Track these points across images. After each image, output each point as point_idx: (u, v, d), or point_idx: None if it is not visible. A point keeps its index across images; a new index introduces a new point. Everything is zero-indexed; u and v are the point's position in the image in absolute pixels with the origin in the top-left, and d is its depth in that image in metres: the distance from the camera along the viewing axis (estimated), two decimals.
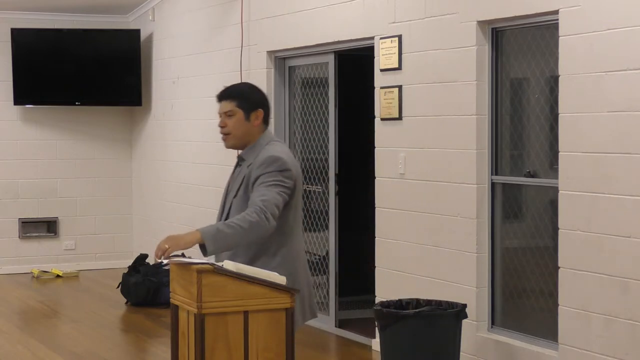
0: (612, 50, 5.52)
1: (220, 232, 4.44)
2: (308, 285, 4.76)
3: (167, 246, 4.40)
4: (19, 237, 11.76)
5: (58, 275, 11.45)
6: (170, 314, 4.73)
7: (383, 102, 7.38)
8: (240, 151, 4.80)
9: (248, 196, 4.55)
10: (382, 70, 7.40)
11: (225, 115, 4.67)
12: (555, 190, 6.02)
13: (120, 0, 11.40)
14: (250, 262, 4.55)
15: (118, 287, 9.84)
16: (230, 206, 4.69)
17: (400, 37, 7.20)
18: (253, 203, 4.46)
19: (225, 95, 4.70)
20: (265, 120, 4.71)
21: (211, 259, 4.58)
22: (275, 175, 4.52)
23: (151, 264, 9.72)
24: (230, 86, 4.80)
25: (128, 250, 11.99)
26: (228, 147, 4.75)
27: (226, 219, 4.61)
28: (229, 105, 4.66)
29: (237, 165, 4.77)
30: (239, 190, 4.64)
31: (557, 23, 5.91)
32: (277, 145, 4.68)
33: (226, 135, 4.69)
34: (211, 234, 4.47)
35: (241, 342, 4.38)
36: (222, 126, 4.68)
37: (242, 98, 4.67)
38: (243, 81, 4.95)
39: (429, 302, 6.37)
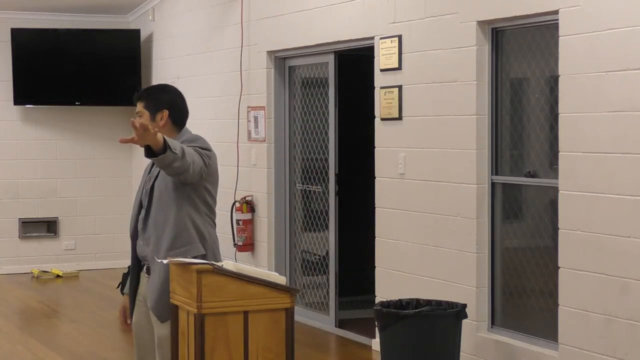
0: (612, 50, 5.52)
1: (176, 143, 4.46)
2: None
3: (138, 127, 4.25)
4: (19, 237, 11.76)
5: (58, 275, 11.45)
6: (170, 314, 4.74)
7: (383, 102, 7.38)
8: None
9: (166, 178, 4.64)
10: (382, 70, 7.40)
11: (137, 115, 4.74)
12: (555, 190, 6.02)
13: (120, 0, 11.40)
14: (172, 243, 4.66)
15: (118, 287, 9.81)
16: (152, 192, 4.71)
17: (400, 37, 7.20)
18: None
19: (137, 96, 4.79)
20: (176, 121, 4.78)
21: (210, 259, 4.57)
22: (196, 148, 4.63)
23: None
24: (145, 87, 4.95)
25: (128, 250, 11.90)
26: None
27: (148, 208, 4.69)
28: (139, 106, 4.76)
29: (152, 164, 4.79)
30: (158, 175, 4.70)
31: (557, 23, 5.91)
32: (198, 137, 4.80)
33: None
34: (171, 141, 4.44)
35: (241, 342, 4.38)
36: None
37: (149, 99, 4.75)
38: (163, 83, 5.02)
39: (429, 302, 6.37)
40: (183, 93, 10.16)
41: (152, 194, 4.72)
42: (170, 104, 4.79)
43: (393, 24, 7.29)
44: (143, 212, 4.77)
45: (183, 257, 4.54)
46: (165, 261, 4.59)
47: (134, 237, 4.85)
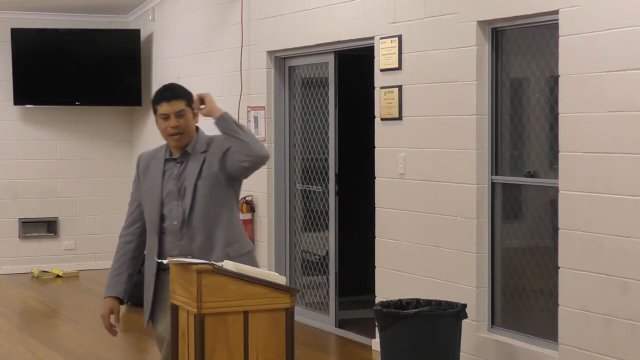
0: (612, 50, 5.52)
1: (237, 122, 4.58)
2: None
3: (202, 98, 4.58)
4: (19, 237, 11.76)
5: (58, 275, 11.46)
6: (170, 314, 4.74)
7: (383, 102, 7.38)
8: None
9: (219, 175, 4.65)
10: (382, 70, 7.40)
11: (175, 114, 4.66)
12: (555, 190, 6.02)
13: (120, 0, 11.40)
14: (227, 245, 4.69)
15: None
16: (195, 189, 4.68)
17: (400, 37, 7.20)
18: None
19: (175, 95, 4.71)
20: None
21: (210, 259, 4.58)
22: None
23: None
24: (171, 86, 4.82)
25: None
26: (181, 146, 4.72)
27: (192, 204, 4.66)
28: (181, 104, 4.68)
29: (179, 163, 4.74)
30: (201, 172, 4.67)
31: (557, 23, 5.91)
32: None
33: (181, 135, 4.69)
34: (232, 117, 4.60)
35: (241, 342, 4.38)
36: (178, 125, 4.68)
37: (188, 96, 4.72)
38: (172, 83, 5.01)
39: (429, 302, 6.37)
40: None
41: (196, 192, 4.66)
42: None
43: (393, 24, 7.28)
44: (175, 209, 4.70)
45: (239, 252, 4.65)
46: (165, 261, 4.59)
47: (158, 233, 4.76)
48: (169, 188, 4.73)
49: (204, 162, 4.68)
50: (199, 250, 4.65)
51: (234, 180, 4.72)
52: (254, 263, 4.76)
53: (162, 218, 4.75)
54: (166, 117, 4.68)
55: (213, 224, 4.67)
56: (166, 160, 4.79)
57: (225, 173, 4.66)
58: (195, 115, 4.72)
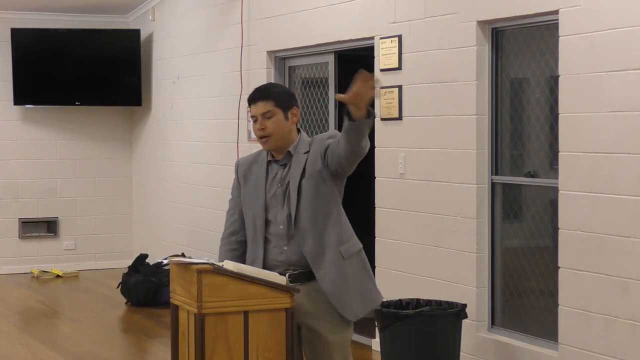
0: (612, 50, 5.52)
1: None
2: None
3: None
4: (19, 237, 11.76)
5: (58, 275, 11.45)
6: (170, 314, 4.74)
7: (383, 102, 7.38)
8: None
9: (323, 172, 4.45)
10: (382, 70, 7.40)
11: (261, 116, 4.49)
12: (555, 190, 6.02)
13: (120, 0, 11.40)
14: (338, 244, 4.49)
15: (118, 287, 9.85)
16: (300, 190, 4.48)
17: (400, 37, 7.20)
18: None
19: (262, 95, 4.51)
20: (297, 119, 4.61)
21: (211, 259, 4.57)
22: None
23: (151, 263, 9.72)
24: (263, 87, 4.64)
25: (128, 250, 11.99)
26: (269, 148, 4.56)
27: (297, 205, 4.46)
28: (267, 106, 4.48)
29: (282, 166, 4.56)
30: (304, 171, 4.47)
31: (557, 23, 5.91)
32: None
33: (267, 137, 4.49)
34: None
35: (241, 342, 4.38)
36: (263, 128, 4.48)
37: (279, 97, 4.52)
38: (271, 82, 4.75)
39: (429, 302, 6.37)
40: (183, 93, 10.14)
41: (301, 192, 4.47)
42: (297, 101, 4.64)
43: (393, 24, 7.29)
44: (280, 213, 4.51)
45: (351, 251, 4.50)
46: (165, 261, 4.58)
47: (261, 241, 4.56)
48: (273, 191, 4.55)
49: (306, 161, 4.48)
50: (311, 254, 4.46)
51: (337, 177, 4.50)
52: (365, 262, 4.60)
53: (266, 223, 4.56)
54: (255, 119, 4.51)
55: (322, 223, 4.47)
56: (269, 162, 4.59)
57: (328, 170, 4.46)
58: (293, 116, 4.52)
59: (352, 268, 4.53)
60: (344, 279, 4.48)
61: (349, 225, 4.59)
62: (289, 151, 4.54)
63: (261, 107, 4.49)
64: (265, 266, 4.52)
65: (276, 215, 4.53)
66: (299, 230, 4.47)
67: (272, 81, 8.98)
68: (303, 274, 4.50)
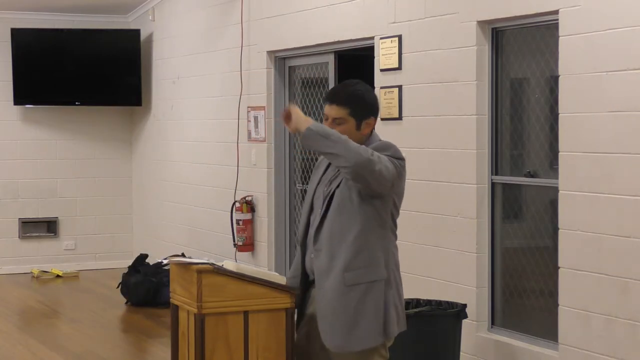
0: (612, 50, 5.52)
1: (329, 129, 4.02)
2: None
3: (288, 114, 4.04)
4: (19, 237, 11.76)
5: (58, 275, 11.45)
6: (170, 314, 4.74)
7: (383, 102, 7.38)
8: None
9: (352, 188, 4.14)
10: (382, 70, 7.40)
11: (333, 121, 4.21)
12: (555, 190, 6.02)
13: (120, 0, 11.40)
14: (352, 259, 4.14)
15: (118, 287, 9.85)
16: (331, 199, 4.20)
17: (400, 37, 7.20)
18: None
19: (339, 99, 4.24)
20: (374, 127, 4.33)
21: (210, 259, 4.57)
22: (390, 158, 4.15)
23: (151, 263, 9.72)
24: (345, 88, 4.34)
25: (128, 250, 11.99)
26: None
27: (327, 208, 4.18)
28: (340, 112, 4.20)
29: (335, 167, 4.25)
30: (341, 182, 4.18)
31: (557, 23, 5.91)
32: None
33: None
34: (319, 125, 4.03)
35: (241, 342, 4.38)
36: None
37: (357, 105, 4.22)
38: (357, 81, 4.36)
39: (429, 302, 6.37)
40: (183, 93, 10.13)
41: (331, 201, 4.19)
42: (376, 110, 4.31)
43: (393, 24, 7.29)
44: (315, 218, 4.26)
45: (358, 280, 4.11)
46: (165, 261, 4.58)
47: (303, 245, 4.34)
48: (320, 191, 4.29)
49: None
50: (318, 269, 4.20)
51: (371, 196, 4.12)
52: (375, 296, 4.16)
53: (307, 224, 4.31)
54: (326, 118, 4.24)
55: (337, 241, 4.14)
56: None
57: (356, 187, 4.11)
58: (367, 127, 4.25)
59: (351, 298, 4.14)
60: (337, 305, 4.14)
61: (376, 252, 4.19)
62: None
63: (335, 111, 4.22)
64: (303, 272, 4.33)
65: (315, 219, 4.29)
66: (318, 241, 4.22)
67: (272, 81, 8.99)
68: None
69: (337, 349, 4.20)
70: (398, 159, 4.20)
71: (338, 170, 4.21)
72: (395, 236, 4.35)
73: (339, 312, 4.16)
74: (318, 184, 4.34)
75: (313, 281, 4.31)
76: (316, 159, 8.69)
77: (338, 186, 4.21)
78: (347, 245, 4.14)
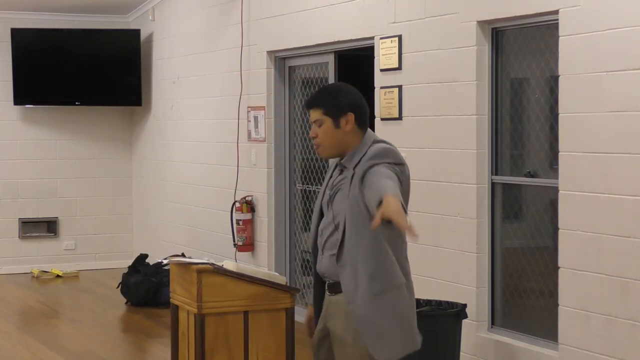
0: (612, 50, 5.52)
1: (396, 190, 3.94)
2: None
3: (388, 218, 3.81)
4: (19, 237, 11.76)
5: (58, 275, 11.45)
6: (170, 314, 4.74)
7: (383, 102, 7.38)
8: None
9: (359, 198, 4.09)
10: (382, 70, 7.40)
11: (314, 124, 4.25)
12: (555, 190, 6.02)
13: (120, 0, 11.40)
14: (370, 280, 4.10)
15: (118, 287, 9.85)
16: (332, 202, 4.21)
17: (400, 37, 7.20)
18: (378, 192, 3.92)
19: (312, 102, 4.29)
20: (361, 123, 4.29)
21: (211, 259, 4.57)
22: (388, 166, 4.10)
23: (151, 263, 9.72)
24: (318, 91, 4.40)
25: (128, 250, 11.99)
26: (323, 157, 4.34)
27: (344, 223, 4.13)
28: (316, 114, 4.23)
29: (339, 172, 4.27)
30: (349, 191, 4.14)
31: (557, 23, 5.91)
32: (385, 143, 4.31)
33: (318, 146, 4.26)
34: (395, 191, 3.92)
35: (241, 342, 4.38)
36: (313, 136, 4.26)
37: (329, 104, 4.23)
38: (336, 82, 4.34)
39: (429, 302, 6.37)
40: (183, 93, 10.11)
41: (330, 206, 4.19)
42: (353, 105, 4.28)
43: (393, 24, 7.28)
44: (328, 223, 4.22)
45: (386, 286, 4.10)
46: (165, 261, 4.58)
47: (314, 249, 4.31)
48: (327, 194, 4.28)
49: (352, 178, 4.13)
50: (346, 286, 4.12)
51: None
52: (396, 302, 4.15)
53: (317, 229, 4.30)
54: (311, 124, 4.29)
55: (355, 254, 4.10)
56: (337, 163, 4.31)
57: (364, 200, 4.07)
58: (347, 123, 4.21)
59: (384, 304, 4.12)
60: (373, 316, 4.10)
61: (390, 258, 4.18)
62: (342, 163, 4.26)
63: (312, 114, 4.27)
64: (315, 275, 4.30)
65: (324, 224, 4.26)
66: (342, 256, 4.14)
67: (272, 81, 8.99)
68: (339, 284, 4.20)
69: (386, 358, 4.13)
70: (398, 164, 4.18)
71: (343, 176, 4.21)
72: (405, 240, 4.31)
73: (375, 322, 4.11)
74: (326, 187, 4.34)
75: (325, 283, 4.27)
76: (316, 159, 8.72)
77: (337, 193, 4.19)
78: (366, 256, 4.10)
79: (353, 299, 4.08)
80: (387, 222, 3.87)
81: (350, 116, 4.25)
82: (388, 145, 4.27)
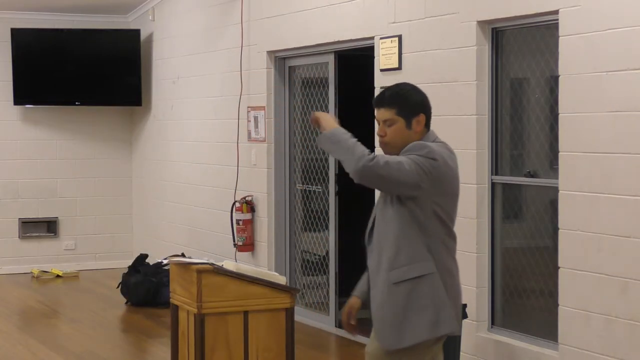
0: (612, 50, 5.52)
1: (343, 135, 4.10)
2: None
3: (317, 119, 4.16)
4: (19, 237, 11.76)
5: (58, 275, 11.45)
6: (170, 314, 4.74)
7: None
8: None
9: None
10: (382, 70, 7.40)
11: (384, 123, 4.27)
12: (555, 190, 6.02)
13: (120, 0, 11.40)
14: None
15: (118, 287, 9.85)
16: (381, 200, 4.31)
17: (400, 37, 7.20)
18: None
19: (384, 101, 4.30)
20: (428, 124, 4.37)
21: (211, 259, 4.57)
22: (417, 157, 4.15)
23: (151, 263, 9.72)
24: (388, 91, 4.36)
25: (128, 250, 11.99)
26: (385, 153, 4.30)
27: (375, 219, 4.29)
28: (387, 113, 4.26)
29: None
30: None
31: (557, 23, 5.91)
32: (440, 142, 4.38)
33: (385, 145, 4.29)
34: (336, 131, 4.13)
35: (241, 342, 4.38)
36: (382, 135, 4.28)
37: (403, 103, 4.27)
38: (402, 82, 4.45)
39: None
40: (183, 93, 10.10)
41: (378, 206, 4.30)
42: (425, 107, 4.35)
43: (393, 24, 7.29)
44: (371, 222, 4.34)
45: (405, 277, 4.15)
46: (165, 261, 4.58)
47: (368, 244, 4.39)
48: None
49: None
50: (371, 270, 4.28)
51: (404, 198, 4.16)
52: (419, 292, 4.18)
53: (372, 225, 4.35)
54: (378, 122, 4.32)
55: (381, 244, 4.22)
56: None
57: None
58: (418, 124, 4.28)
59: (398, 295, 4.19)
60: (386, 305, 4.22)
61: (418, 249, 4.18)
62: None
63: (382, 113, 4.28)
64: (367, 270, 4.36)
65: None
66: (372, 242, 4.28)
67: (272, 81, 8.99)
68: None
69: (389, 347, 4.22)
70: (429, 158, 4.20)
71: None
72: (451, 236, 4.31)
73: (387, 311, 4.20)
74: None
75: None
76: (316, 159, 8.72)
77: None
78: (389, 245, 4.18)
79: (375, 282, 4.21)
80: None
81: (422, 117, 4.34)
82: (430, 143, 4.32)
